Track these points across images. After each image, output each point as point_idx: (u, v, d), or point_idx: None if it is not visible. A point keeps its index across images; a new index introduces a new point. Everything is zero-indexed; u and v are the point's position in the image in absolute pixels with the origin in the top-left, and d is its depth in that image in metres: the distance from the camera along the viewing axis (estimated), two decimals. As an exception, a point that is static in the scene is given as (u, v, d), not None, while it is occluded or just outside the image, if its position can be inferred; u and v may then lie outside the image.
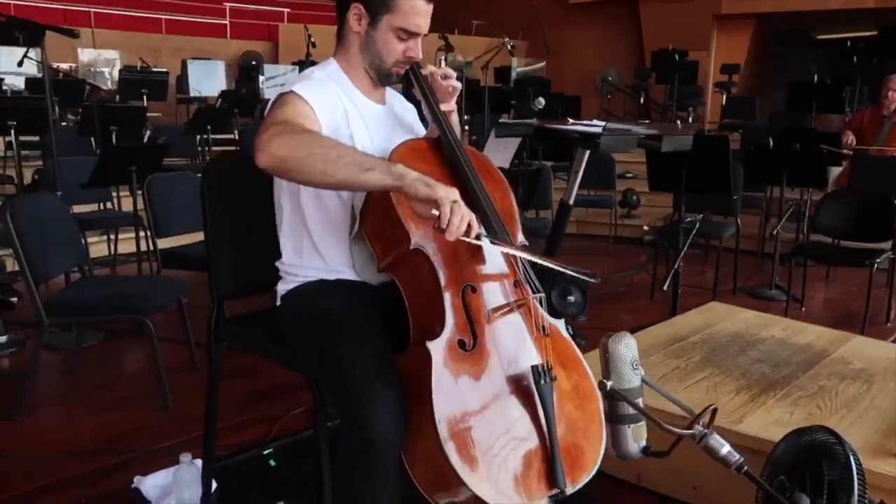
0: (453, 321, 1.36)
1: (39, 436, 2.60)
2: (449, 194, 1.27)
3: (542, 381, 1.33)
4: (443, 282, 1.38)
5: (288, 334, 1.56)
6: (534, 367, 1.34)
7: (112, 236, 4.92)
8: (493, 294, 1.43)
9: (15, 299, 3.28)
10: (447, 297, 1.37)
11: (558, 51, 11.10)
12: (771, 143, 4.66)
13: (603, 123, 2.62)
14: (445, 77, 1.59)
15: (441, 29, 12.11)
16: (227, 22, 11.07)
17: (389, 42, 1.51)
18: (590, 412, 1.40)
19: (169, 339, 3.35)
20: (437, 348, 1.31)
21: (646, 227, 6.08)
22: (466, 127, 6.84)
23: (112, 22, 9.93)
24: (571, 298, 3.85)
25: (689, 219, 3.82)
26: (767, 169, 4.44)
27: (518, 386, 1.36)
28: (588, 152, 2.87)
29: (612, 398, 1.13)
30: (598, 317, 4.10)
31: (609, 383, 1.13)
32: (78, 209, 4.70)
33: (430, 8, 1.51)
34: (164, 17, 10.76)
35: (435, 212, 1.25)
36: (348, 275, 1.55)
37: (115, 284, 3.30)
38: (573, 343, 1.51)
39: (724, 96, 9.12)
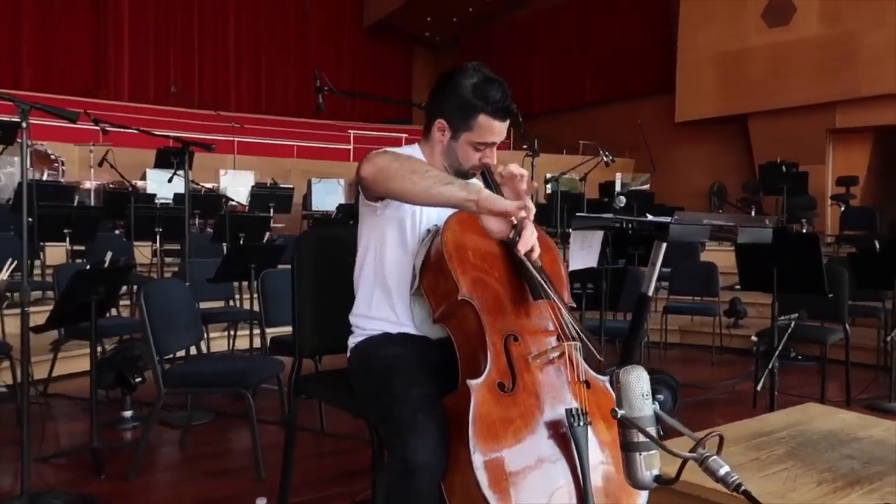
0: (495, 365, 1.48)
1: (148, 496, 2.86)
2: (528, 209, 1.42)
3: (577, 424, 1.42)
4: (487, 330, 1.52)
5: (354, 382, 1.73)
6: (567, 411, 1.43)
7: (232, 332, 5.38)
8: (534, 343, 1.55)
9: (139, 379, 3.67)
10: (490, 344, 1.51)
11: (666, 167, 11.26)
12: (877, 245, 4.48)
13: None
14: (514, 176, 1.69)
15: (549, 149, 12.67)
16: (350, 147, 12.15)
17: (467, 153, 1.72)
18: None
19: (270, 422, 3.61)
20: (476, 387, 1.43)
21: (754, 337, 5.85)
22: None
23: (252, 149, 11.19)
24: (660, 397, 3.80)
25: (783, 318, 3.72)
26: (875, 273, 4.26)
27: (556, 430, 1.45)
28: (664, 244, 2.95)
29: (624, 426, 1.19)
30: (689, 419, 3.97)
31: (620, 412, 1.20)
32: (204, 305, 5.23)
33: (504, 125, 1.72)
34: (295, 144, 11.99)
35: (503, 227, 1.42)
36: (411, 329, 1.72)
37: (223, 361, 3.63)
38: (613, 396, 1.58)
39: (843, 208, 8.81)
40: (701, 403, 4.48)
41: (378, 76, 15.63)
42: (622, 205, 3.50)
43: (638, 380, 1.17)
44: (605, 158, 5.96)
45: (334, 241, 1.98)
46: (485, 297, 1.55)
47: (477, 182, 1.51)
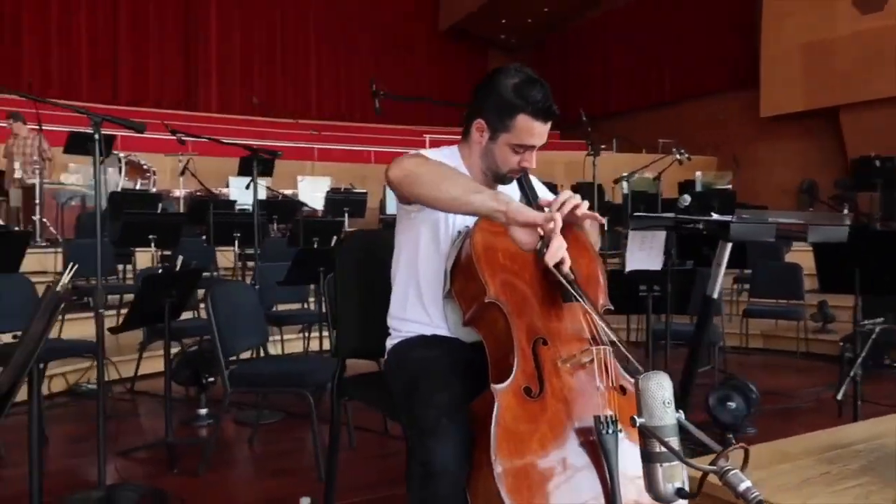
0: (521, 369, 1.46)
1: (214, 491, 2.98)
2: (555, 222, 1.40)
3: (605, 432, 1.37)
4: (515, 333, 1.50)
5: (389, 384, 1.75)
6: (596, 418, 1.39)
7: (306, 333, 5.53)
8: (565, 347, 1.51)
9: (211, 378, 3.83)
10: (517, 347, 1.48)
11: (750, 164, 10.79)
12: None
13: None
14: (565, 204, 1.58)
15: (626, 149, 12.38)
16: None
17: (506, 155, 1.68)
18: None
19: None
20: (501, 392, 1.41)
21: (842, 343, 5.51)
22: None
23: (331, 155, 11.49)
24: (731, 405, 3.62)
25: (867, 323, 3.48)
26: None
27: (585, 438, 1.41)
28: (729, 244, 2.83)
29: (643, 435, 1.14)
30: (767, 429, 3.79)
31: (640, 420, 1.15)
32: (282, 307, 5.41)
33: (545, 127, 1.66)
34: (373, 149, 12.22)
35: (532, 238, 1.41)
36: (444, 331, 1.72)
37: (286, 363, 3.73)
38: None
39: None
40: (781, 412, 4.25)
41: (453, 80, 15.73)
42: (686, 204, 3.37)
43: (659, 386, 1.12)
44: (678, 157, 5.77)
45: (376, 243, 2.00)
46: (514, 300, 1.53)
47: (505, 194, 1.48)
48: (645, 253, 3.09)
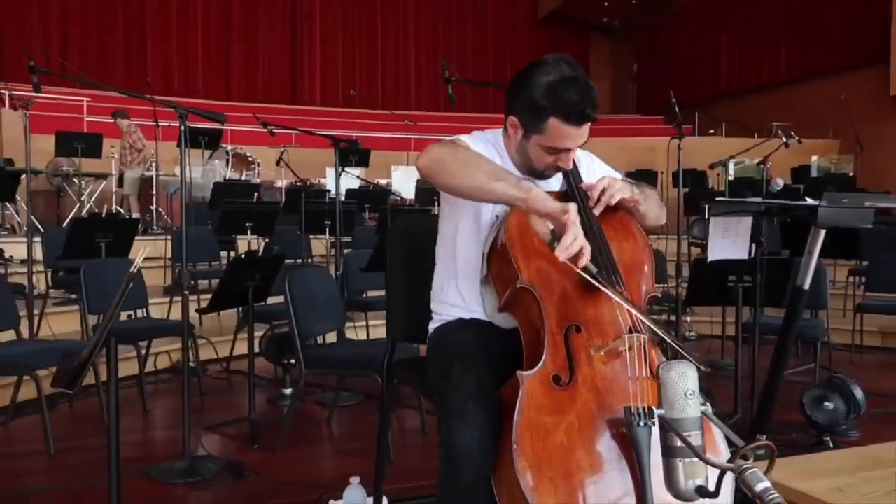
0: (552, 357, 1.40)
1: (288, 468, 3.08)
2: (569, 214, 1.34)
3: (638, 424, 1.29)
4: (547, 320, 1.45)
5: (427, 367, 1.73)
6: (626, 409, 1.31)
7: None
8: (599, 335, 1.44)
9: (292, 360, 3.97)
10: (549, 334, 1.43)
11: (877, 147, 9.92)
12: None
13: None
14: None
15: (738, 133, 11.70)
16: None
17: (540, 155, 1.60)
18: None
19: (412, 407, 3.73)
20: (528, 379, 1.36)
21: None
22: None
23: (427, 146, 11.58)
24: (829, 405, 3.36)
25: None
26: None
27: (616, 430, 1.33)
28: (822, 231, 2.60)
29: (663, 428, 1.06)
30: (875, 434, 3.47)
31: (659, 412, 1.07)
32: (372, 294, 5.51)
33: (580, 130, 1.54)
34: (470, 139, 12.20)
35: (550, 225, 1.34)
36: (481, 315, 1.69)
37: (361, 346, 3.80)
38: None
39: None
40: (893, 416, 3.90)
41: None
42: (779, 188, 3.13)
43: (681, 376, 1.04)
44: (784, 140, 5.38)
45: (423, 228, 1.98)
46: (547, 286, 1.47)
47: (527, 182, 1.42)
48: (729, 241, 2.90)
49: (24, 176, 5.20)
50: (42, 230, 5.92)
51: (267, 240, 6.07)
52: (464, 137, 1.66)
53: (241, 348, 4.99)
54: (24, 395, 3.67)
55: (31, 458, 3.25)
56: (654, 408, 1.07)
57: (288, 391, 4.11)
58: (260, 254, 3.50)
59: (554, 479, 1.27)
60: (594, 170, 1.80)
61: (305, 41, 14.72)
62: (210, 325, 5.37)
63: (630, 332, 1.45)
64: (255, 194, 6.83)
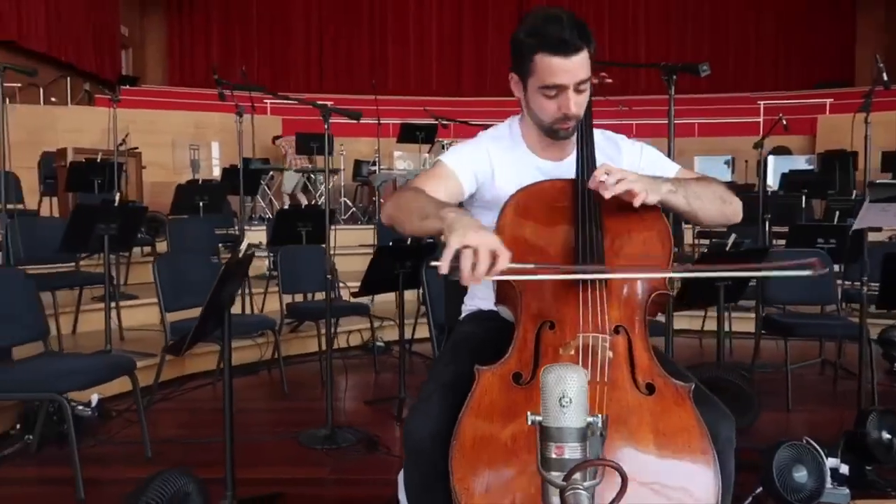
0: (518, 352, 1.35)
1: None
2: (461, 240, 1.22)
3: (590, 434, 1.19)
4: (522, 314, 1.39)
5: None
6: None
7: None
8: (573, 333, 1.34)
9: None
10: (521, 329, 1.37)
11: None
12: None
13: None
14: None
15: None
16: (759, 120, 10.98)
17: (541, 102, 1.55)
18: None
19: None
20: (485, 374, 1.32)
21: None
22: None
23: (647, 130, 11.05)
24: (887, 436, 2.53)
25: None
26: None
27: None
28: None
29: (540, 437, 0.95)
30: None
31: (535, 417, 0.96)
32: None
33: (568, 61, 1.48)
34: (697, 121, 11.40)
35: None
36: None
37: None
38: (693, 409, 1.27)
39: None
40: None
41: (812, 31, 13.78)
42: None
43: (558, 381, 0.94)
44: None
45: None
46: (530, 280, 1.41)
47: (449, 212, 1.32)
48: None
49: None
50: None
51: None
52: (443, 159, 1.63)
53: (423, 332, 5.31)
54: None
55: (216, 415, 3.81)
56: (529, 412, 0.98)
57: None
58: (409, 242, 3.70)
59: (489, 481, 1.22)
60: (634, 161, 1.66)
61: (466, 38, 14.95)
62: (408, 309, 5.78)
63: (616, 332, 1.33)
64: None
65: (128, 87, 12.62)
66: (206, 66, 13.99)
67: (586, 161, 1.54)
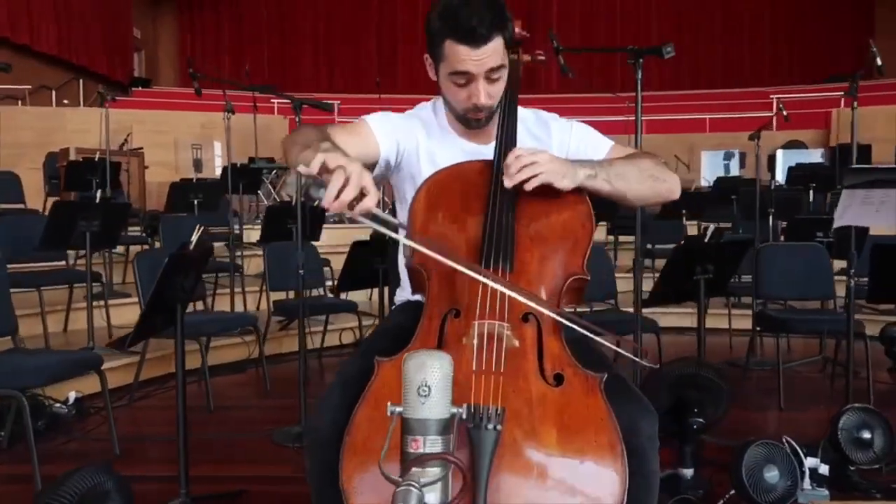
0: (421, 343, 1.28)
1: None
2: (336, 161, 1.15)
3: (486, 427, 1.12)
4: (428, 301, 1.32)
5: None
6: (470, 407, 1.14)
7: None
8: (479, 322, 1.27)
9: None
10: (426, 318, 1.31)
11: None
12: None
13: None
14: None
15: None
16: (771, 114, 10.76)
17: (451, 89, 1.48)
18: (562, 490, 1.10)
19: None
20: (384, 366, 1.26)
21: None
22: None
23: (657, 126, 10.89)
24: (866, 435, 2.38)
25: None
26: None
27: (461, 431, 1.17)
28: None
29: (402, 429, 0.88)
30: None
31: (395, 408, 0.89)
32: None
33: (476, 51, 1.40)
34: (708, 116, 11.21)
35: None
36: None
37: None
38: (603, 401, 1.19)
39: None
40: None
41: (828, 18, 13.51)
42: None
43: (418, 368, 0.87)
44: None
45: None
46: (437, 266, 1.33)
47: (327, 143, 1.26)
48: (875, 213, 2.27)
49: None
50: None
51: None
52: (367, 118, 1.56)
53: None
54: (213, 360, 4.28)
55: (196, 413, 3.77)
56: (390, 403, 0.91)
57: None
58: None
59: (376, 482, 1.14)
60: (564, 141, 1.59)
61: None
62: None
63: (525, 320, 1.26)
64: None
65: (140, 88, 12.76)
66: (217, 67, 14.11)
67: (505, 143, 1.47)
